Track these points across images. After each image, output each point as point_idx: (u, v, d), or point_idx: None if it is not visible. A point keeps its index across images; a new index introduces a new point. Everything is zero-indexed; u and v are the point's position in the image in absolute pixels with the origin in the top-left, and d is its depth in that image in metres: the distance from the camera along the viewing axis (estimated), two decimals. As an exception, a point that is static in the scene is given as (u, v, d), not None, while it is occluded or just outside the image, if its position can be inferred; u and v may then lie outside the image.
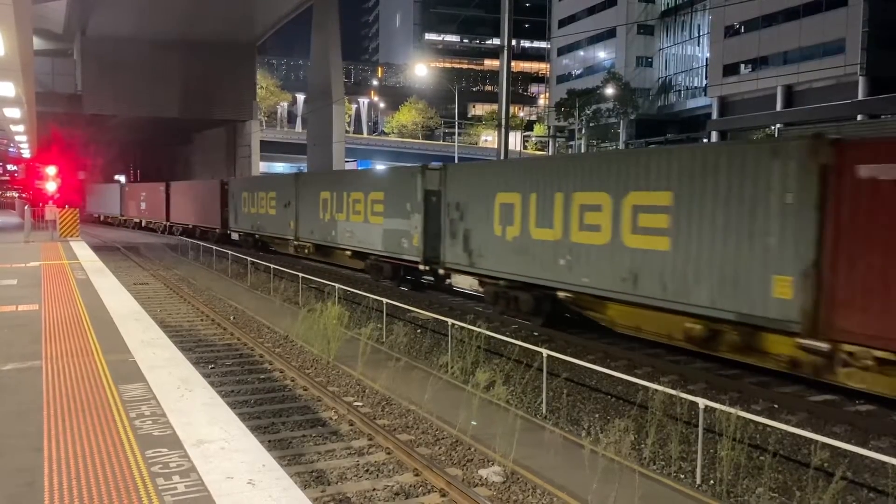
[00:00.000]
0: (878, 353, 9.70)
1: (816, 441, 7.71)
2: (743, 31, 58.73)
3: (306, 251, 28.45)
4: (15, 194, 72.11)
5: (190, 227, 43.13)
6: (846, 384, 10.42)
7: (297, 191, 28.82)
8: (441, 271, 19.40)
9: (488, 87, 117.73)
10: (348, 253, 24.94)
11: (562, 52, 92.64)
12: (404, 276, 22.65)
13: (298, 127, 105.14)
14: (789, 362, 11.10)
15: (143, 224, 52.10)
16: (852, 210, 9.90)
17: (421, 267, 20.33)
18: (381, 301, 16.11)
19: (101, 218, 59.98)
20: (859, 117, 43.73)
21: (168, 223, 47.05)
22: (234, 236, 37.01)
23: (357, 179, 26.28)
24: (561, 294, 15.22)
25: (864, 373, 9.99)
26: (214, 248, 29.81)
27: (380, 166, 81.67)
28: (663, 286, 12.55)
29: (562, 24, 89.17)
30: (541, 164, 18.31)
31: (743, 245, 11.23)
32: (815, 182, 10.26)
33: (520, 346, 12.20)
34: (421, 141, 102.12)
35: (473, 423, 9.57)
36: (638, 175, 13.20)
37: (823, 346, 10.31)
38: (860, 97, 47.61)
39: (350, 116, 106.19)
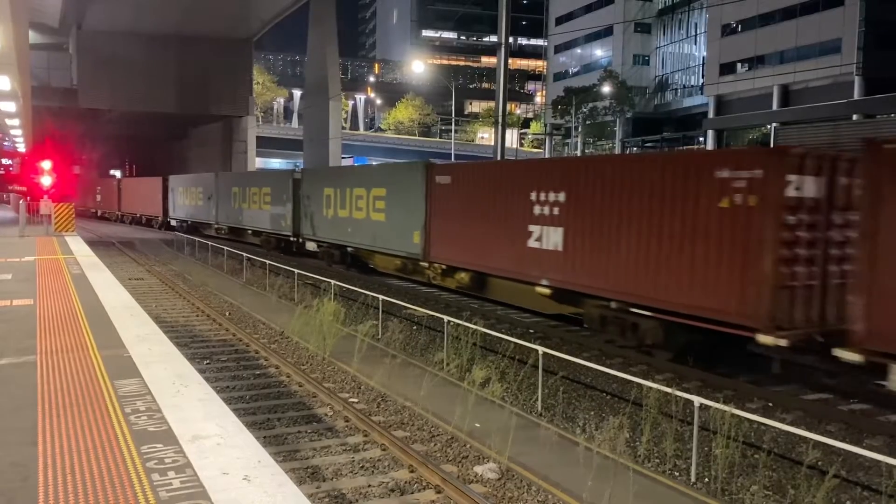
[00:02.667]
0: (443, 266, 19.17)
1: (811, 439, 7.74)
2: (740, 29, 58.74)
3: (223, 232, 37.11)
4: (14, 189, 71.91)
5: (138, 215, 51.02)
6: (435, 281, 20.13)
7: (217, 187, 37.16)
8: (300, 240, 28.39)
9: (485, 84, 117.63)
10: (249, 232, 33.87)
11: (559, 49, 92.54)
12: (284, 247, 30.63)
13: (295, 123, 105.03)
14: (426, 276, 20.53)
15: (99, 214, 58.45)
16: (434, 199, 19.25)
17: (291, 238, 29.10)
18: (378, 298, 16.11)
19: None
20: (854, 117, 43.80)
21: (120, 212, 54.53)
22: (173, 223, 44.51)
23: (254, 178, 36.12)
24: (350, 249, 24.76)
25: (440, 277, 19.61)
26: (210, 243, 29.84)
27: (375, 163, 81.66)
28: (385, 241, 21.79)
29: (559, 21, 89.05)
30: (340, 170, 33.63)
31: (407, 216, 20.27)
32: (425, 184, 19.50)
33: (515, 343, 12.20)
34: (417, 138, 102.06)
35: (477, 424, 9.55)
36: (375, 178, 23.28)
37: (426, 264, 19.82)
38: (856, 97, 47.67)
39: (347, 113, 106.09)
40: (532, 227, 15.28)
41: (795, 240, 10.60)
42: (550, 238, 14.80)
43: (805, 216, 10.67)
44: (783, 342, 10.38)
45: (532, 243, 15.26)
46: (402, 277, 22.86)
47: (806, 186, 10.71)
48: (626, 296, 13.05)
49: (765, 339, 10.51)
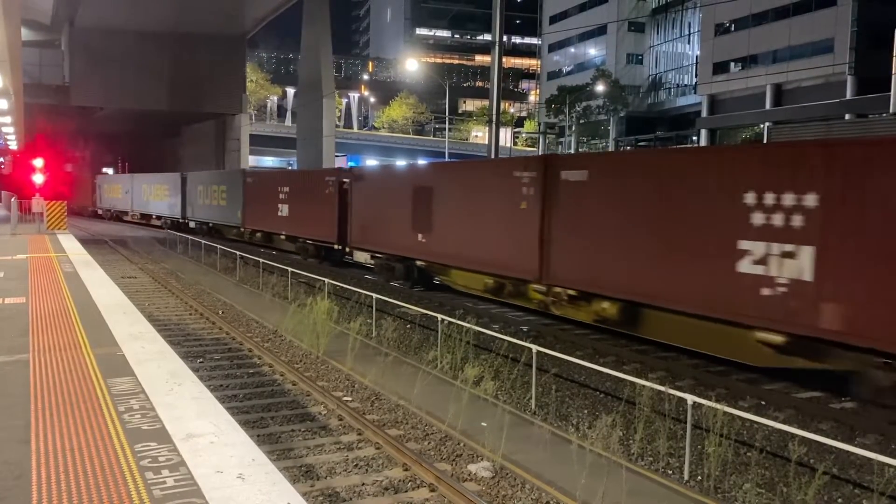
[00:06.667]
0: (250, 229, 33.37)
1: (803, 437, 7.77)
2: (733, 29, 58.85)
3: (136, 217, 49.84)
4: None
5: (73, 206, 61.77)
6: (247, 239, 33.90)
7: (132, 184, 50.16)
8: (186, 221, 40.57)
9: (479, 83, 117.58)
10: (154, 216, 46.83)
11: (553, 48, 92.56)
12: (178, 227, 39.63)
13: (289, 121, 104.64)
14: (243, 236, 34.31)
15: None
16: (246, 191, 33.25)
17: (180, 220, 41.26)
18: (371, 296, 16.10)
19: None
20: (847, 116, 43.97)
21: None
22: (100, 212, 57.25)
23: (157, 178, 47.11)
24: (211, 224, 37.60)
25: (249, 236, 33.82)
26: (203, 241, 29.81)
27: (370, 161, 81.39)
28: (226, 218, 35.31)
29: (553, 20, 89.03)
30: (207, 173, 42.97)
31: (236, 202, 34.33)
32: (242, 182, 33.49)
33: (509, 341, 12.22)
34: (411, 136, 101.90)
35: (483, 424, 9.54)
36: (222, 178, 36.69)
37: (243, 229, 33.77)
38: (848, 96, 47.85)
39: (340, 111, 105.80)
40: (279, 206, 29.36)
41: (349, 206, 23.97)
42: (285, 210, 29.02)
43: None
44: (347, 249, 24.70)
45: (280, 213, 29.35)
46: (235, 240, 34.70)
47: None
48: (305, 236, 27.68)
49: (338, 247, 24.95)
